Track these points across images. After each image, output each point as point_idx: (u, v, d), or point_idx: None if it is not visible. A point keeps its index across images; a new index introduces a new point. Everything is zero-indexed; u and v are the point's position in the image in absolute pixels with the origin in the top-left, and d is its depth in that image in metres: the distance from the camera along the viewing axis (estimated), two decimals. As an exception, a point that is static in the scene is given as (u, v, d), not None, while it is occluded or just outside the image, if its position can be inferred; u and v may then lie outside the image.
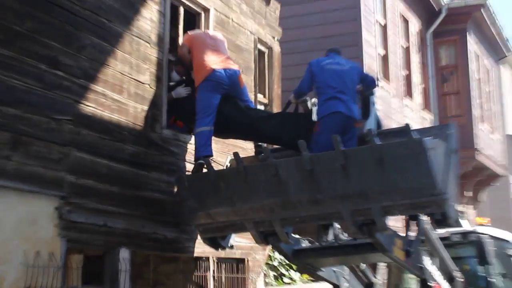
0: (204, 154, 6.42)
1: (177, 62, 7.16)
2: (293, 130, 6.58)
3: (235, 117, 6.73)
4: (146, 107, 6.43)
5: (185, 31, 7.42)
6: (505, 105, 23.88)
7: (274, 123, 6.74)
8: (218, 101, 6.63)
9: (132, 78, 6.26)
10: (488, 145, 17.51)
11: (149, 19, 6.58)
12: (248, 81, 8.19)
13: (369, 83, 6.89)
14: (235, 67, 6.90)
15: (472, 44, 17.32)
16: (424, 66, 16.30)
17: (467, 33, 16.82)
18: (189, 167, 6.83)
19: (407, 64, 15.18)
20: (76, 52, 5.62)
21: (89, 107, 5.71)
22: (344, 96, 6.50)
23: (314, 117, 6.82)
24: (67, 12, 5.57)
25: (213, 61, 6.74)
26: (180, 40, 7.39)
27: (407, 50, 15.23)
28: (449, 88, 17.14)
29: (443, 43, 16.98)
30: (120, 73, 6.12)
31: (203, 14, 7.65)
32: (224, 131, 6.83)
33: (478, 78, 17.77)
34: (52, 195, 5.23)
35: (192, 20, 7.71)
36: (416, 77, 15.61)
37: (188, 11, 7.56)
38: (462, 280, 7.65)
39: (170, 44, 7.02)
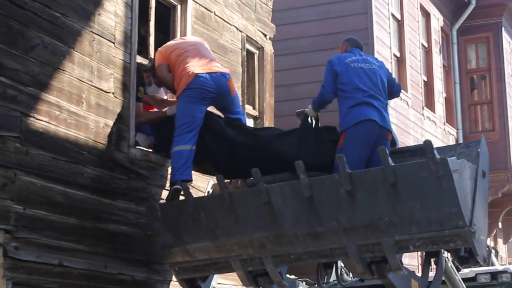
0: (181, 178, 6.45)
1: (154, 72, 7.21)
2: (315, 148, 6.42)
3: (243, 142, 6.58)
4: (110, 121, 6.49)
5: (156, 28, 7.50)
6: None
7: (290, 141, 6.53)
8: (203, 114, 6.63)
9: (92, 85, 6.32)
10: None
11: (113, 13, 6.66)
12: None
13: (395, 92, 6.91)
14: (223, 70, 6.95)
15: (508, 42, 17.49)
16: (449, 70, 16.45)
17: (502, 28, 16.99)
18: (163, 194, 6.88)
19: (428, 68, 15.32)
20: (24, 53, 5.67)
21: (40, 121, 5.76)
22: (376, 102, 6.40)
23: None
24: (12, 5, 5.61)
25: (195, 66, 6.78)
26: (151, 39, 7.47)
27: (428, 51, 15.38)
28: (479, 97, 17.29)
29: (472, 41, 17.16)
30: (78, 79, 6.18)
31: (179, 7, 7.74)
32: (227, 165, 6.64)
33: (514, 84, 17.95)
34: (-5, 229, 5.28)
35: (166, 14, 7.80)
36: (439, 84, 15.76)
37: (160, 2, 7.64)
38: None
39: (139, 43, 7.10)
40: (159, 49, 7.09)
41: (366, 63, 6.60)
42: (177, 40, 7.34)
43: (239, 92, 8.39)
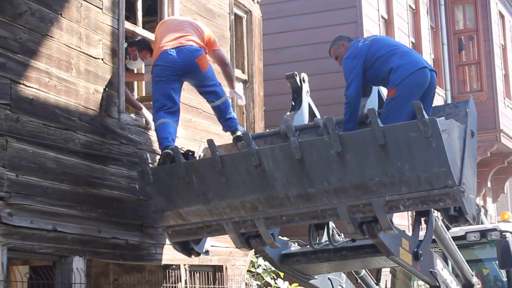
0: (169, 143, 6.45)
1: (142, 47, 7.16)
2: None
3: None
4: (100, 87, 6.47)
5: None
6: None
7: None
8: (170, 91, 6.57)
9: (81, 52, 6.30)
10: (514, 125, 17.73)
11: (101, -20, 6.61)
12: (223, 52, 8.24)
13: None
14: (194, 45, 6.77)
15: (495, 3, 17.44)
16: (436, 31, 16.42)
17: (489, -12, 16.95)
18: (155, 158, 6.90)
19: (416, 30, 15.29)
20: (11, 20, 5.63)
21: (30, 88, 5.74)
22: (411, 50, 6.53)
23: (305, 96, 6.90)
24: (0, -28, 5.58)
25: (167, 41, 6.76)
26: (139, 4, 7.42)
27: (415, 13, 15.33)
28: (467, 58, 17.30)
29: (460, 2, 17.12)
30: (67, 46, 6.15)
31: (166, -30, 7.67)
32: None
33: (502, 44, 17.94)
34: (-12, 195, 5.29)
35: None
36: (426, 45, 15.74)
37: (148, -32, 7.60)
38: (480, 286, 7.82)
39: (127, 9, 7.05)
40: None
41: (369, 37, 6.72)
42: (171, 17, 7.33)
43: (227, 57, 8.37)
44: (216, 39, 7.30)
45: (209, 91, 6.88)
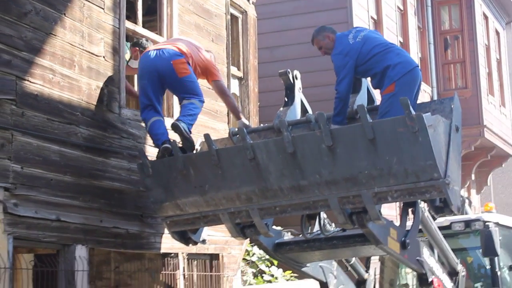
0: (166, 138, 6.43)
1: (143, 48, 7.12)
2: None
3: None
4: (101, 84, 6.46)
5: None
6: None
7: None
8: (150, 87, 6.44)
9: (84, 50, 6.29)
10: (497, 121, 17.74)
11: (103, -19, 6.59)
12: (219, 51, 8.25)
13: None
14: (174, 49, 6.56)
15: (479, 4, 17.46)
16: (423, 31, 16.43)
17: (473, -10, 16.97)
18: (153, 151, 6.89)
19: (404, 30, 15.29)
20: (17, 19, 5.63)
21: (35, 84, 5.74)
22: (402, 49, 6.56)
23: (298, 93, 6.89)
24: (6, -27, 5.56)
25: (152, 47, 6.75)
26: (139, 4, 7.41)
27: (403, 13, 15.33)
28: (452, 56, 17.31)
29: (446, 3, 17.11)
30: (70, 44, 6.14)
31: (165, -28, 7.66)
32: None
33: (486, 44, 17.96)
34: (-6, 187, 5.28)
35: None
36: (414, 45, 15.74)
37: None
38: (464, 273, 7.84)
39: (128, 9, 7.04)
40: None
41: (362, 32, 6.65)
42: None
43: (224, 55, 8.36)
44: (218, 70, 7.02)
45: (185, 103, 6.52)
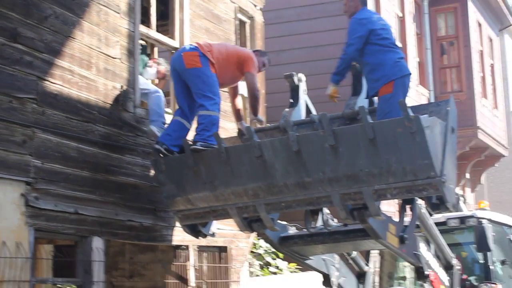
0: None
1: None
2: None
3: None
4: (117, 84, 6.47)
5: (158, 0, 7.43)
6: (509, 79, 24.08)
7: None
8: (175, 88, 6.44)
9: (101, 52, 6.29)
10: (491, 123, 17.72)
11: (119, -13, 6.59)
12: (228, 54, 8.21)
13: None
14: (191, 44, 6.57)
15: (474, 12, 17.43)
16: (421, 37, 16.39)
17: (468, -1, 16.94)
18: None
19: (402, 35, 15.26)
20: (38, 23, 5.64)
21: (54, 84, 5.75)
22: (401, 59, 6.52)
23: (302, 94, 6.89)
24: (29, -20, 5.57)
25: None
26: (153, 10, 7.41)
27: (402, 20, 15.30)
28: (448, 61, 17.28)
29: (442, 11, 17.07)
30: (88, 46, 6.15)
31: (177, -20, 7.66)
32: None
33: (480, 50, 17.92)
34: (17, 181, 5.28)
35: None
36: (412, 50, 15.71)
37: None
38: (459, 267, 7.83)
39: (142, 14, 7.04)
40: None
41: (381, 19, 6.62)
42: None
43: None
44: (255, 65, 6.63)
45: (198, 113, 6.24)
